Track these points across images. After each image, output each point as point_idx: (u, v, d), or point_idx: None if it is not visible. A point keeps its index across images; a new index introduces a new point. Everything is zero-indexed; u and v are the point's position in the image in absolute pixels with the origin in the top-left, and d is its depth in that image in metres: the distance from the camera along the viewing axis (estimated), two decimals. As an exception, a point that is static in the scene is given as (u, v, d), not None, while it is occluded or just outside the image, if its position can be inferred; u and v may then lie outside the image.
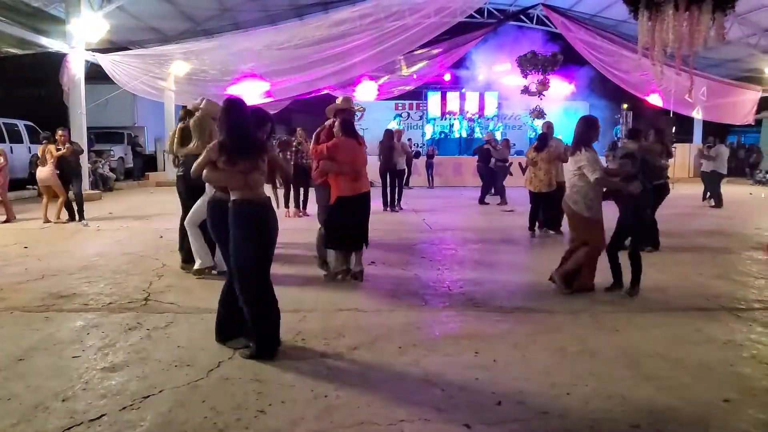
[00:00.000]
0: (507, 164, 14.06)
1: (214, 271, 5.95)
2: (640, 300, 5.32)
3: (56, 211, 10.20)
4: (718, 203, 13.07)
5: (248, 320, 3.79)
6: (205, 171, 3.80)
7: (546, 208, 8.86)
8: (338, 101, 6.16)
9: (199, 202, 5.69)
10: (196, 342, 4.10)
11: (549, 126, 9.25)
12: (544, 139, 8.89)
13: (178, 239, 6.47)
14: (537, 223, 9.04)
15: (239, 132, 3.79)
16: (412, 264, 6.76)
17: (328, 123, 5.93)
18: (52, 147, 10.14)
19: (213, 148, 3.77)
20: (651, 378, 3.53)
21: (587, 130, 5.50)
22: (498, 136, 23.01)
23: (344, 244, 5.79)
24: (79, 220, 10.20)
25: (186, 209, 6.11)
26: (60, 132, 10.57)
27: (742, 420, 3.02)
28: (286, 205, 10.77)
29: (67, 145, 10.33)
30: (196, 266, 5.95)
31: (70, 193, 10.47)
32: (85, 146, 14.45)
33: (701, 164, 13.86)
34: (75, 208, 10.41)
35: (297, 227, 9.09)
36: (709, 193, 13.52)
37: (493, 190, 13.80)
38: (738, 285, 5.92)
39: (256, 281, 3.78)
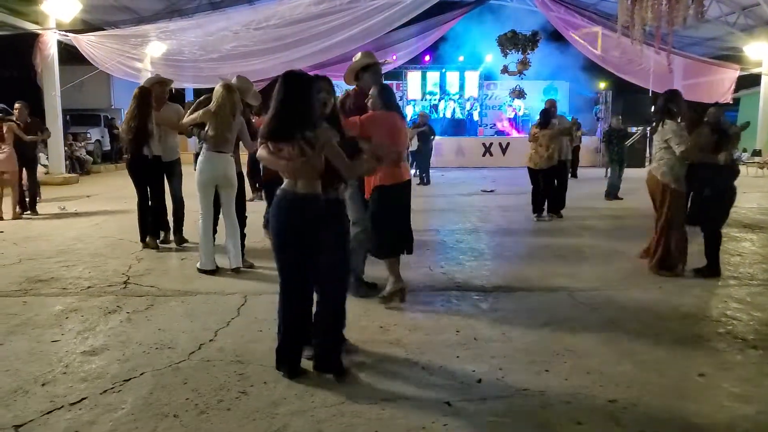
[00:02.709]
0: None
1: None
2: (618, 278, 5.40)
3: (12, 203, 8.79)
4: None
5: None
6: (259, 150, 3.29)
7: (547, 189, 8.74)
8: (357, 58, 4.79)
9: (196, 186, 5.43)
10: (177, 324, 4.09)
11: (552, 103, 9.21)
12: (546, 115, 8.76)
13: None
14: (546, 204, 8.78)
15: (283, 111, 3.14)
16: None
17: (352, 89, 4.79)
18: (12, 125, 8.81)
19: (262, 131, 3.26)
20: (628, 354, 3.60)
21: (670, 102, 5.47)
22: (476, 116, 23.07)
23: (397, 249, 4.56)
24: (32, 212, 9.07)
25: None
26: (17, 105, 9.28)
27: (716, 394, 3.09)
28: None
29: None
30: (198, 265, 5.52)
31: (23, 182, 9.19)
32: (60, 128, 14.19)
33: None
34: (27, 198, 9.16)
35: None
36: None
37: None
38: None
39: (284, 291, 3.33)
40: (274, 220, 3.23)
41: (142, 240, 6.52)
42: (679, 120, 5.41)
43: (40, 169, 10.71)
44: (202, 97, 5.77)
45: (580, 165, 16.51)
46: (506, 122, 23.06)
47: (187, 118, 5.55)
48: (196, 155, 5.80)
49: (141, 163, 6.33)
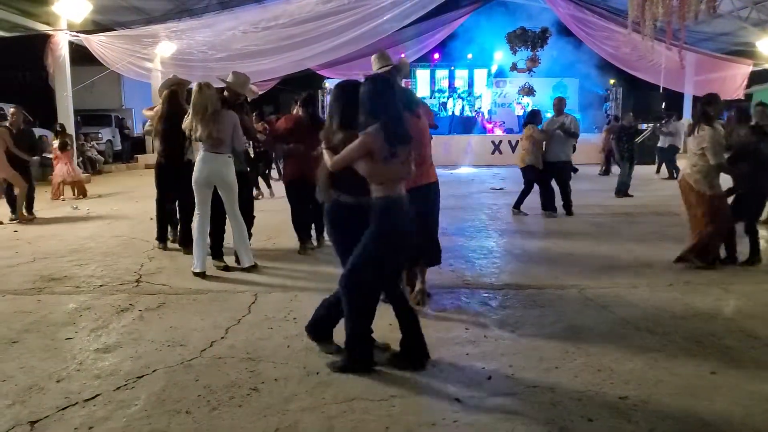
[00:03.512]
0: None
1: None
2: (628, 275, 5.38)
3: (19, 204, 8.50)
4: (675, 175, 13.32)
5: (345, 325, 3.30)
6: (363, 166, 3.12)
7: (537, 186, 8.79)
8: (374, 59, 4.75)
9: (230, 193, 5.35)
10: (189, 322, 4.12)
11: (559, 101, 9.18)
12: (531, 116, 9.22)
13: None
14: (543, 202, 8.86)
15: (398, 113, 3.20)
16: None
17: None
18: (4, 131, 8.36)
19: (373, 137, 3.07)
20: (639, 351, 3.58)
21: (707, 105, 5.48)
22: (486, 114, 22.99)
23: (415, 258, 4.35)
24: (28, 215, 8.55)
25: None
26: (12, 110, 8.83)
27: (729, 391, 3.07)
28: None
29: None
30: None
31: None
32: (72, 129, 14.30)
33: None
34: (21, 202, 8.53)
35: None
36: (663, 166, 14.13)
37: None
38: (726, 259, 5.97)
39: (374, 293, 3.33)
40: (384, 226, 3.16)
41: (161, 240, 6.48)
42: (715, 125, 5.40)
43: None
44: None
45: (587, 163, 16.34)
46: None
47: (147, 114, 5.66)
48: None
49: (182, 168, 6.01)
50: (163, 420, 2.77)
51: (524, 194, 8.90)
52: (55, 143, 11.53)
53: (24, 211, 8.52)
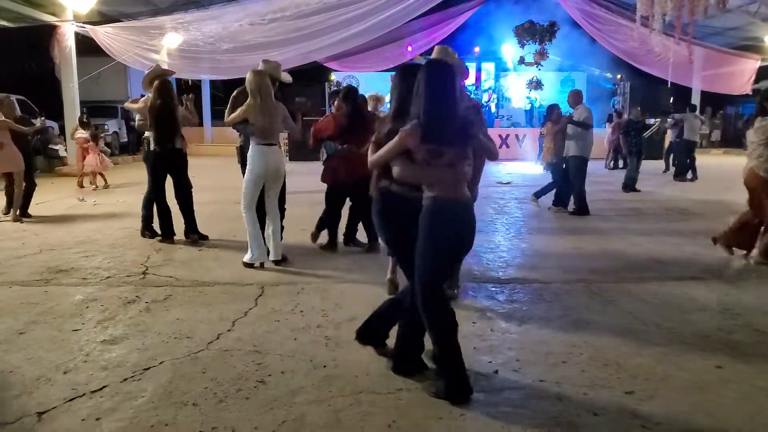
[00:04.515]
0: None
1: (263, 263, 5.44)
2: (635, 270, 5.36)
3: (16, 203, 7.89)
4: (687, 173, 13.21)
5: (434, 348, 2.99)
6: (398, 167, 2.81)
7: (559, 182, 8.76)
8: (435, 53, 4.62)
9: (245, 180, 5.31)
10: (195, 314, 4.13)
11: (571, 95, 8.96)
12: (548, 111, 9.17)
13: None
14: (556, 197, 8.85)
15: (446, 110, 2.78)
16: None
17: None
18: (5, 120, 7.70)
19: (409, 134, 2.74)
20: (646, 346, 3.57)
21: (766, 101, 5.47)
22: (493, 107, 22.91)
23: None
24: (14, 218, 7.83)
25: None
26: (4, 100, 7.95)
27: (735, 386, 3.06)
28: None
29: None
30: (246, 258, 5.37)
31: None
32: (77, 121, 14.31)
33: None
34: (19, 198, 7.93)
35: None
36: (678, 163, 13.65)
37: None
38: (732, 255, 5.94)
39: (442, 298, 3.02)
40: (435, 230, 2.83)
41: (168, 235, 6.44)
42: None
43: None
44: (235, 92, 5.73)
45: (594, 158, 16.26)
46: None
47: (230, 117, 5.38)
48: (240, 148, 5.99)
49: (172, 156, 6.30)
50: (170, 412, 2.78)
51: (548, 188, 8.92)
52: (81, 133, 11.78)
53: (18, 211, 7.91)
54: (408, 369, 3.15)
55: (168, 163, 6.36)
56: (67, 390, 3.00)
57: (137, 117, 6.51)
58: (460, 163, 2.81)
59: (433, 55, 4.67)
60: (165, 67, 10.08)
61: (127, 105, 7.01)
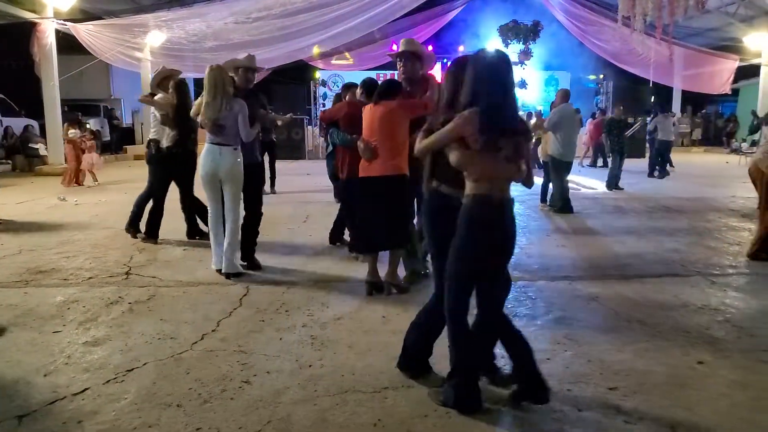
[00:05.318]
0: None
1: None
2: (618, 267, 5.41)
3: None
4: (655, 172, 13.56)
5: (451, 353, 2.85)
6: (454, 152, 2.66)
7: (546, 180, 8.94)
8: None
9: (234, 189, 4.98)
10: (179, 315, 4.09)
11: (557, 94, 9.07)
12: (528, 117, 9.39)
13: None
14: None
15: (503, 98, 2.67)
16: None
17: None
18: None
19: (467, 120, 2.61)
20: (629, 342, 3.61)
21: None
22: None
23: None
24: None
25: None
26: None
27: (716, 381, 3.11)
28: None
29: None
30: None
31: None
32: (59, 119, 14.14)
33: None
34: None
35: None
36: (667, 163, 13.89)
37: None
38: (713, 251, 6.04)
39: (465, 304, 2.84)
40: (467, 231, 2.70)
41: (153, 236, 6.36)
42: None
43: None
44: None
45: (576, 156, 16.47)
46: None
47: (192, 111, 5.23)
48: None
49: (185, 156, 6.22)
50: (153, 413, 2.75)
51: (545, 187, 9.04)
52: (75, 131, 11.79)
53: None
54: (413, 369, 3.09)
55: (182, 164, 6.24)
56: (47, 393, 2.95)
57: (158, 112, 6.22)
58: (516, 159, 2.69)
59: (400, 48, 4.74)
60: (152, 65, 9.87)
61: (143, 99, 6.76)
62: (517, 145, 2.70)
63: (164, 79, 6.31)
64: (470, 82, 2.68)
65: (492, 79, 2.66)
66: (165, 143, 6.19)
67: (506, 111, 2.67)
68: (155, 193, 6.37)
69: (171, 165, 6.26)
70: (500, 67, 2.70)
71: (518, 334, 2.90)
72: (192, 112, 5.22)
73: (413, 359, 3.12)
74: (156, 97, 6.27)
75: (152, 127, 6.52)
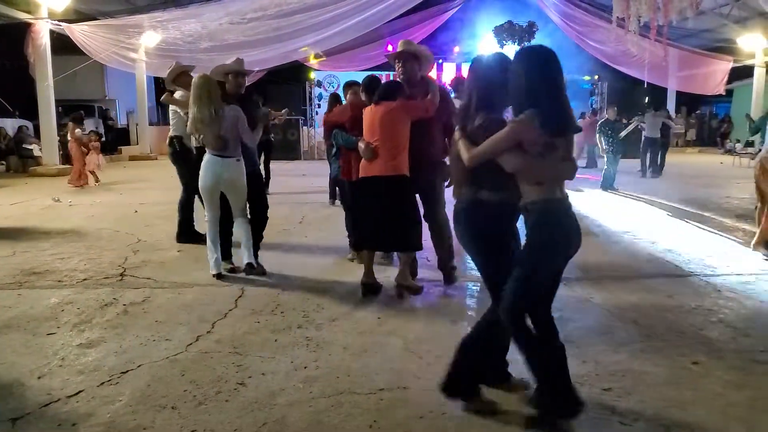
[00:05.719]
0: None
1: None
2: (613, 268, 5.43)
3: None
4: (645, 170, 13.91)
5: (529, 368, 2.71)
6: (512, 158, 2.50)
7: None
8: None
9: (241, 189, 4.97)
10: (174, 317, 4.08)
11: None
12: None
13: None
14: None
15: (560, 96, 2.52)
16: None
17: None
18: None
19: (527, 123, 2.44)
20: (624, 343, 3.62)
21: None
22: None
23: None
24: None
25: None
26: None
27: (711, 381, 3.12)
28: None
29: None
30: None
31: None
32: (53, 120, 14.10)
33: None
34: None
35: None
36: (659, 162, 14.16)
37: None
38: (707, 252, 6.06)
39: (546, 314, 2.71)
40: (542, 237, 2.56)
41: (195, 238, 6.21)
42: None
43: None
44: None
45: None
46: None
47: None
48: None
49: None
50: (148, 416, 2.74)
51: None
52: (81, 130, 12.05)
53: None
54: (462, 392, 2.83)
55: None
56: (42, 395, 2.94)
57: (181, 111, 5.96)
58: (570, 157, 2.60)
59: (398, 48, 4.70)
60: (147, 66, 9.81)
61: (165, 99, 6.39)
62: (569, 142, 2.61)
63: (179, 75, 6.09)
64: (524, 82, 2.49)
65: (548, 78, 2.50)
66: (194, 143, 5.63)
67: (567, 111, 2.55)
68: (193, 192, 6.05)
69: (198, 161, 6.08)
70: (553, 64, 2.53)
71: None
72: (188, 130, 5.07)
73: (467, 380, 2.83)
74: (177, 96, 6.09)
75: (172, 124, 6.35)
